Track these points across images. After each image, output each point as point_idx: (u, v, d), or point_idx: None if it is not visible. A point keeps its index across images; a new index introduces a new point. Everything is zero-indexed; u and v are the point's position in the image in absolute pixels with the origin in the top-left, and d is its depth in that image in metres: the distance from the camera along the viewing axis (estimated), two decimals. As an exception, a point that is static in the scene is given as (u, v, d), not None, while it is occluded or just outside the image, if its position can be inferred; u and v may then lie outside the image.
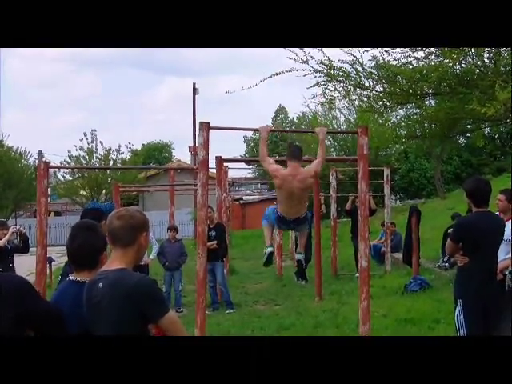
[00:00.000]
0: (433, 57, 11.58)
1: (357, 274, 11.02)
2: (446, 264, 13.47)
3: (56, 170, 36.21)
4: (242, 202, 40.43)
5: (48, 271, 13.71)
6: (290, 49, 11.34)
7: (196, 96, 40.20)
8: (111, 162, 38.48)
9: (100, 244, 3.87)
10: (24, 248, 11.23)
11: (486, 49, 11.18)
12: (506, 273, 6.36)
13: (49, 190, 19.06)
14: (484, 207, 6.19)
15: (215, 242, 12.34)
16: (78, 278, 3.84)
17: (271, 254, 8.50)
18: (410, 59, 11.80)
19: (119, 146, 39.65)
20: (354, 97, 13.42)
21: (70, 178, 40.47)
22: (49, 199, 16.23)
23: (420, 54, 11.67)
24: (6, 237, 10.64)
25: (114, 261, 3.59)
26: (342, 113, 32.29)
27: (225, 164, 15.12)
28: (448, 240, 6.55)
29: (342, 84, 12.20)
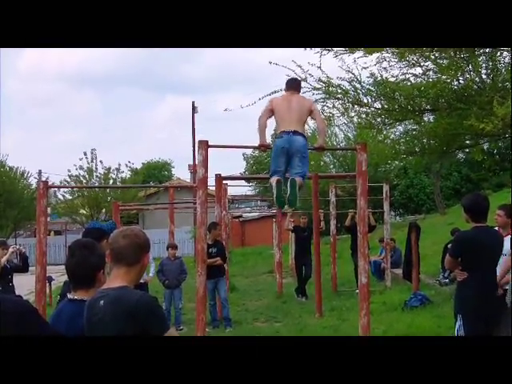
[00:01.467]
0: (430, 73, 11.63)
1: (357, 290, 11.01)
2: (447, 280, 13.46)
3: (56, 189, 36.31)
4: (241, 219, 40.39)
5: (48, 290, 13.70)
6: (289, 66, 11.39)
7: (195, 114, 40.28)
8: (111, 181, 38.51)
9: (97, 262, 3.87)
10: (24, 267, 11.19)
11: (484, 64, 11.24)
12: (507, 288, 6.37)
13: (49, 209, 19.11)
14: (482, 222, 6.20)
15: (218, 258, 12.37)
16: (76, 297, 3.85)
17: (278, 181, 7.90)
18: (407, 76, 11.86)
19: (119, 165, 39.75)
20: (352, 114, 13.44)
21: (70, 197, 40.51)
22: (49, 218, 16.26)
23: (418, 70, 11.72)
24: (6, 256, 10.63)
25: (116, 279, 3.59)
26: (341, 130, 32.36)
27: (224, 181, 15.15)
28: (447, 255, 6.56)
29: (340, 101, 12.23)
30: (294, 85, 8.41)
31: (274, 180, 7.96)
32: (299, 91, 8.40)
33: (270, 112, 8.11)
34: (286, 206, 8.85)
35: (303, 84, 11.62)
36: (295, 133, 7.93)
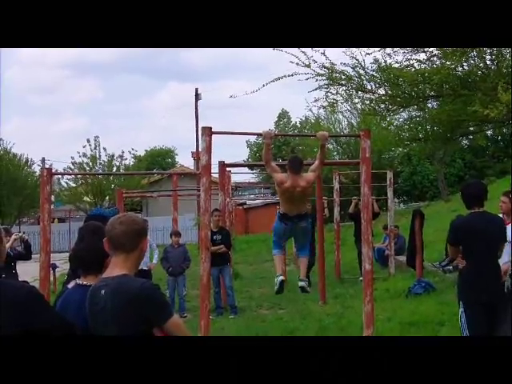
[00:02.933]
0: (435, 59, 11.56)
1: (361, 278, 11.00)
2: (444, 267, 13.46)
3: (60, 176, 36.31)
4: (245, 206, 40.38)
5: (52, 278, 13.73)
6: (292, 52, 11.34)
7: (198, 101, 40.23)
8: (114, 168, 38.51)
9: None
10: (27, 255, 11.20)
11: (488, 50, 11.17)
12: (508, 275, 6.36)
13: (52, 196, 19.05)
14: (476, 208, 6.18)
15: (222, 245, 12.35)
16: (85, 282, 3.82)
17: (283, 282, 8.51)
18: (411, 62, 11.78)
19: (122, 152, 39.71)
20: (356, 100, 13.40)
21: (74, 185, 40.53)
22: (52, 206, 16.28)
23: (422, 56, 11.65)
24: (9, 243, 10.63)
25: (115, 267, 3.56)
26: (344, 116, 32.27)
27: (228, 169, 15.13)
28: (448, 244, 6.58)
29: (344, 87, 12.17)
30: (297, 168, 8.26)
31: (279, 277, 8.46)
32: (301, 171, 8.33)
33: (273, 169, 8.25)
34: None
35: (307, 70, 11.60)
36: (299, 218, 8.30)
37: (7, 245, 10.53)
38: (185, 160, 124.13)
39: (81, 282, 3.86)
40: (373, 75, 11.99)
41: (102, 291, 3.49)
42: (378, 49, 11.45)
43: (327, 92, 12.21)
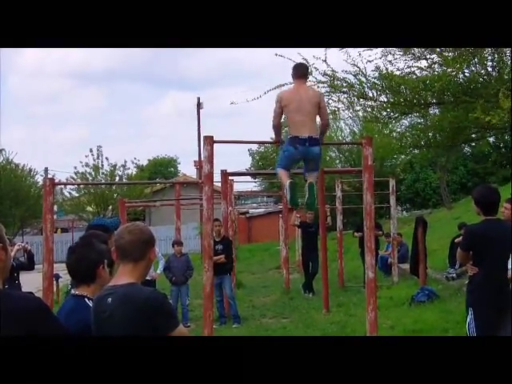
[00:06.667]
0: (436, 66, 11.57)
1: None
2: (453, 274, 13.43)
3: (62, 186, 36.34)
4: (247, 215, 40.35)
5: (55, 288, 13.72)
6: (294, 60, 11.34)
7: (200, 110, 40.26)
8: (117, 178, 38.53)
9: (96, 258, 3.88)
10: (29, 265, 11.19)
11: (489, 57, 11.19)
12: None
13: (55, 206, 19.09)
14: (493, 215, 6.16)
15: (223, 255, 12.33)
16: (77, 292, 3.89)
17: (291, 184, 7.85)
18: (413, 69, 11.80)
19: (125, 162, 39.74)
20: (357, 107, 13.39)
21: (77, 195, 40.55)
22: (55, 216, 16.32)
23: (423, 63, 11.67)
24: (12, 253, 10.60)
25: (123, 275, 3.59)
26: (346, 124, 32.24)
27: (230, 177, 15.13)
28: (458, 249, 6.53)
29: (345, 95, 12.18)
30: (302, 71, 8.30)
31: (287, 182, 7.89)
32: (307, 78, 8.34)
33: (281, 110, 7.98)
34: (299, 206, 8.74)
35: (308, 77, 11.61)
36: (310, 141, 7.80)
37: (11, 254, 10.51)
38: (187, 169, 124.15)
39: (73, 292, 3.94)
40: (374, 82, 11.99)
41: (109, 299, 3.51)
42: (380, 56, 11.47)
43: (329, 99, 12.21)
